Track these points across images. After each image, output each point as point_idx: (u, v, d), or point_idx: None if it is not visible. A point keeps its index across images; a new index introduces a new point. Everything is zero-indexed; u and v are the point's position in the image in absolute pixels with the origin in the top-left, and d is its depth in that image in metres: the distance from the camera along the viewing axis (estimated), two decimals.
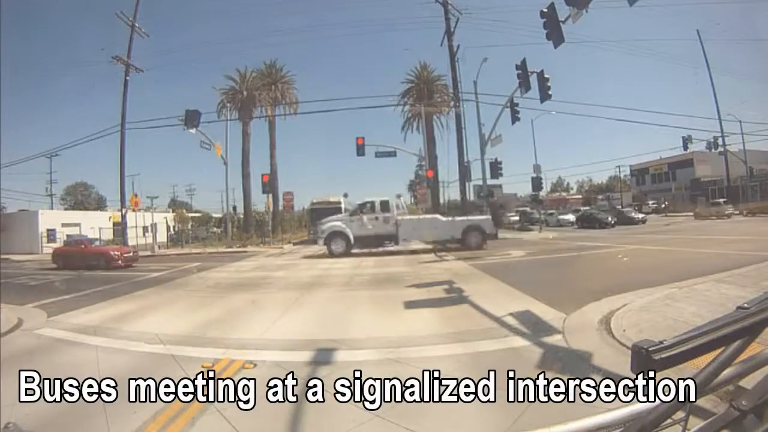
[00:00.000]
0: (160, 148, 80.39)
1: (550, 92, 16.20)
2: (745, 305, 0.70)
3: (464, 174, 21.59)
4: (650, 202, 49.92)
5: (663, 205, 47.52)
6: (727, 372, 0.68)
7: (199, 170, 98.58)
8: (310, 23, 65.87)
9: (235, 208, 32.83)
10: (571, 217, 31.14)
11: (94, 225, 32.31)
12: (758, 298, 0.72)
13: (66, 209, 52.75)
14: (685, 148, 41.73)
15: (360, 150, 23.05)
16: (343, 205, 25.99)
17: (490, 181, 22.54)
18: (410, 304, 6.67)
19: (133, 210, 26.76)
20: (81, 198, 62.00)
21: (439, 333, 5.14)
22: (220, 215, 37.49)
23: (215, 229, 35.98)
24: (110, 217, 37.17)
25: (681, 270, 8.35)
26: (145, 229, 35.76)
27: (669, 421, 0.65)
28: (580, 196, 65.43)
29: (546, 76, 16.30)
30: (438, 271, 10.59)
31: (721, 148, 41.97)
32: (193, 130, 20.64)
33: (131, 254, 17.66)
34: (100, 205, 56.61)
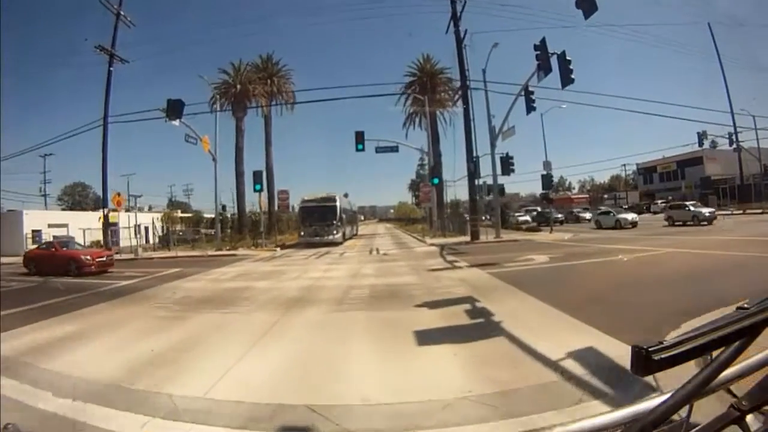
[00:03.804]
0: (157, 147, 79.05)
1: (572, 76, 14.44)
2: (745, 305, 0.68)
3: (473, 170, 19.71)
4: (659, 201, 49.39)
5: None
6: (727, 372, 0.67)
7: (198, 170, 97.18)
8: (309, 8, 64.07)
9: (224, 207, 31.03)
10: (587, 215, 29.24)
11: (84, 226, 30.73)
12: (758, 298, 0.70)
13: (63, 209, 51.43)
14: (701, 144, 40.29)
15: (359, 144, 21.27)
16: (338, 203, 23.19)
17: (496, 179, 20.71)
18: (424, 337, 4.86)
19: (116, 210, 25.03)
20: (79, 198, 60.90)
21: (474, 393, 3.35)
22: (212, 215, 35.69)
23: (207, 231, 34.27)
24: (100, 218, 35.57)
25: (752, 278, 6.67)
26: (137, 229, 34.73)
27: (669, 421, 0.65)
28: (587, 196, 63.93)
29: (568, 58, 14.54)
30: (452, 282, 8.78)
31: (719, 147, 40.73)
32: (176, 122, 18.79)
33: (105, 259, 15.89)
34: (97, 205, 54.88)
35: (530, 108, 16.89)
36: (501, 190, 22.13)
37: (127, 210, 24.37)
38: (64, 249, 16.53)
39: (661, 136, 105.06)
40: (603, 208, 29.64)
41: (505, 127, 18.58)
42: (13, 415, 2.81)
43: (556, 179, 73.81)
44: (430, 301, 6.73)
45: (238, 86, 32.06)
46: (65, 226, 36.01)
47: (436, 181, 22.60)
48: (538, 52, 14.53)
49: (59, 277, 14.37)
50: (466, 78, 18.95)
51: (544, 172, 27.07)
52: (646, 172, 63.56)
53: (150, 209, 47.09)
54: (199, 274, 12.67)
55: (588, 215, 30.28)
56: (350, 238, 28.21)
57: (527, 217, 31.06)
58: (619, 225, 24.27)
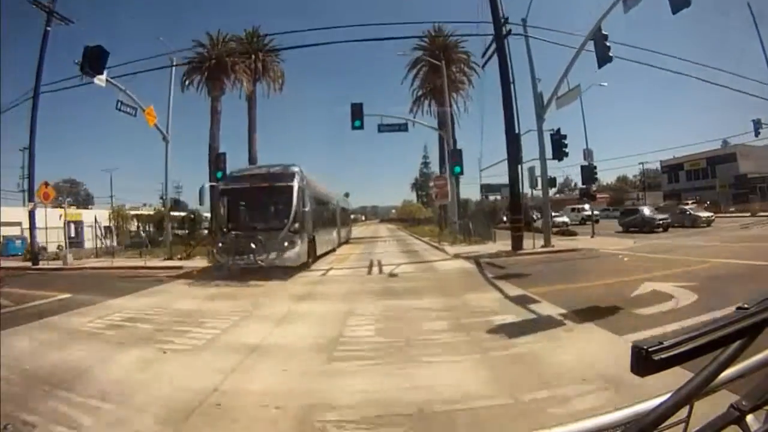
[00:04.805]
0: (148, 141, 73.87)
1: None
2: (745, 305, 0.68)
3: (515, 152, 14.07)
4: (689, 201, 45.47)
5: (705, 205, 42.19)
6: (727, 372, 0.67)
7: (190, 166, 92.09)
8: None
9: (177, 201, 25.63)
10: (704, 215, 23.57)
11: (40, 225, 26.03)
12: (758, 297, 0.69)
13: (55, 207, 47.38)
14: (757, 134, 34.96)
15: (357, 120, 15.95)
16: (296, 184, 11.28)
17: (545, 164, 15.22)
18: None
19: (44, 204, 19.94)
20: (69, 195, 57.39)
21: None
22: (184, 213, 30.36)
23: (183, 231, 29.22)
24: (61, 215, 30.69)
25: None
26: (107, 229, 29.00)
27: (669, 421, 0.65)
28: (607, 196, 59.19)
29: None
30: (582, 386, 3.35)
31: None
32: (101, 81, 13.23)
33: None
34: (88, 202, 53.24)
35: (604, 59, 11.42)
36: (552, 181, 16.67)
37: (44, 204, 19.49)
38: None
39: (675, 135, 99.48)
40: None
41: (562, 89, 13.05)
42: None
43: (561, 179, 68.49)
44: None
45: (213, 58, 26.68)
46: (18, 224, 31.55)
47: (458, 169, 16.90)
48: None
49: None
50: (501, 22, 13.47)
51: (586, 163, 21.91)
52: (671, 170, 59.12)
53: (145, 206, 42.80)
54: (78, 311, 7.35)
55: (706, 214, 24.08)
56: (332, 251, 17.45)
57: (565, 218, 26.01)
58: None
